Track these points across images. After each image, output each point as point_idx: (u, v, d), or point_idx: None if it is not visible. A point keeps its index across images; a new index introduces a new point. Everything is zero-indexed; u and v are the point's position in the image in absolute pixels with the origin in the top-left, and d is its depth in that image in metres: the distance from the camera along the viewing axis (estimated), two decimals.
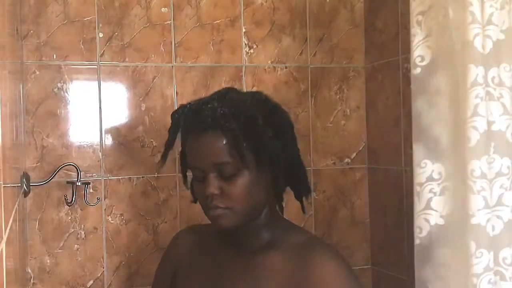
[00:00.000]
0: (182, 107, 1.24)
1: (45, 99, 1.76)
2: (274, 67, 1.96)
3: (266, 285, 1.16)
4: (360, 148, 2.06)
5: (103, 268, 1.81)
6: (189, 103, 1.24)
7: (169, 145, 1.23)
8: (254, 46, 1.95)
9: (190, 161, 1.21)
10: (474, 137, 1.19)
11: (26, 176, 1.59)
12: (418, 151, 1.31)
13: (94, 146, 1.80)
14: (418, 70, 1.31)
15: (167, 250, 1.42)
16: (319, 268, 1.13)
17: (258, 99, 1.24)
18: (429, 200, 1.29)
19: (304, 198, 1.28)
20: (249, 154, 1.15)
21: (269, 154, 1.17)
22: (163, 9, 1.86)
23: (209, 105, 1.18)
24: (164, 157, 1.23)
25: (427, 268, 1.31)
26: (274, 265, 1.17)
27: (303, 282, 1.13)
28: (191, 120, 1.19)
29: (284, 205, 1.28)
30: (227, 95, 1.22)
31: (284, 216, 1.30)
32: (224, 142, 1.14)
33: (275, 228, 1.23)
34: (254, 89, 1.93)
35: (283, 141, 1.20)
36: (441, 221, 1.29)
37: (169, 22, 1.87)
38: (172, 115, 1.24)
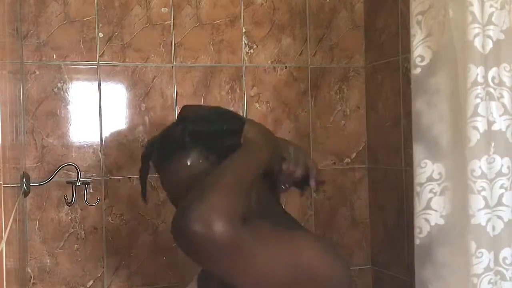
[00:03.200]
0: (146, 144, 1.22)
1: (45, 99, 1.76)
2: (274, 67, 1.96)
3: None
4: (360, 148, 2.06)
5: (103, 268, 1.81)
6: (151, 139, 1.22)
7: (143, 181, 1.21)
8: (254, 46, 1.95)
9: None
10: (474, 137, 1.19)
11: (26, 176, 1.59)
12: (418, 151, 1.31)
13: (94, 146, 1.80)
14: (418, 70, 1.31)
15: None
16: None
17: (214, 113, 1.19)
18: (429, 200, 1.29)
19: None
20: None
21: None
22: (163, 9, 1.86)
23: (154, 142, 1.18)
24: (143, 193, 1.21)
25: (427, 268, 1.31)
26: None
27: None
28: (156, 156, 1.17)
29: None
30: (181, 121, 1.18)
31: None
32: (189, 163, 1.12)
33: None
34: (254, 89, 1.93)
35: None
36: (441, 221, 1.28)
37: (169, 22, 1.87)
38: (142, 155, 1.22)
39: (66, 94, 1.79)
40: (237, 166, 1.05)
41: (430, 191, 1.29)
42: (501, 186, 1.22)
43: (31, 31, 1.75)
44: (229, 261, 0.94)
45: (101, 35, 1.81)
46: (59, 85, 1.78)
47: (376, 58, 2.00)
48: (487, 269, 1.20)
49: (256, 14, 1.95)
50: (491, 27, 1.22)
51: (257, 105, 1.94)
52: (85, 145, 1.80)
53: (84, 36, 1.80)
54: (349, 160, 2.05)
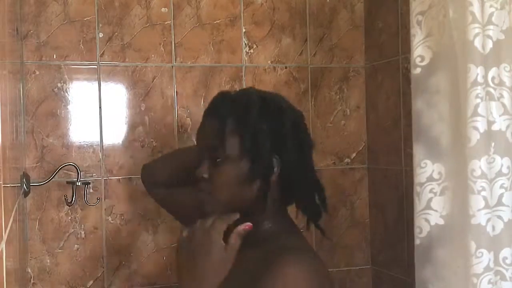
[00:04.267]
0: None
1: (45, 99, 1.76)
2: (274, 67, 1.96)
3: (239, 280, 1.15)
4: (360, 148, 2.06)
5: (103, 268, 1.81)
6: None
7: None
8: (254, 46, 1.94)
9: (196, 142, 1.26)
10: (474, 137, 1.19)
11: (26, 176, 1.59)
12: (418, 151, 1.31)
13: (94, 146, 1.80)
14: (418, 70, 1.31)
15: None
16: (277, 267, 1.09)
17: (273, 100, 1.24)
18: (429, 200, 1.29)
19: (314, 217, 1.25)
20: (244, 146, 1.16)
21: (265, 154, 1.16)
22: (163, 9, 1.86)
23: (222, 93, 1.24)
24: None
25: (427, 268, 1.31)
26: (251, 263, 1.15)
27: (261, 279, 1.10)
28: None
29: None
30: (248, 90, 1.26)
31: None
32: (217, 127, 1.17)
33: (274, 228, 1.23)
34: None
35: (290, 149, 1.19)
36: (441, 221, 1.28)
37: (169, 22, 1.87)
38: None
39: (66, 94, 1.79)
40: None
41: (430, 191, 1.29)
42: (501, 186, 1.22)
43: (31, 31, 1.75)
44: None
45: (101, 35, 1.81)
46: (59, 85, 1.78)
47: (376, 58, 2.00)
48: (487, 269, 1.20)
49: (256, 14, 1.95)
50: (491, 27, 1.22)
51: None
52: (85, 145, 1.80)
53: (84, 36, 1.80)
54: (349, 160, 2.05)
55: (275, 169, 1.18)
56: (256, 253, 1.18)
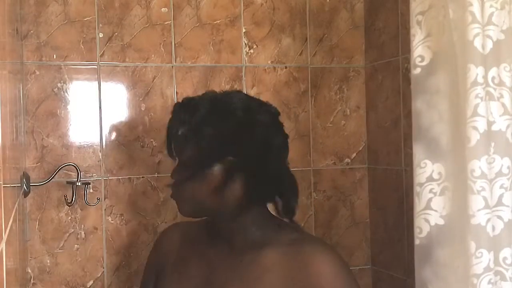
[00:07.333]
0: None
1: (45, 99, 1.76)
2: (274, 67, 1.96)
3: (261, 283, 1.16)
4: (360, 148, 2.06)
5: (103, 268, 1.81)
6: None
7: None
8: (254, 46, 1.95)
9: None
10: (474, 137, 1.19)
11: (26, 176, 1.59)
12: (418, 151, 1.31)
13: (94, 146, 1.80)
14: (418, 70, 1.31)
15: (154, 247, 1.46)
16: (317, 262, 1.16)
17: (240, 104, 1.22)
18: (429, 200, 1.29)
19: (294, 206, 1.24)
20: (205, 152, 1.19)
21: (207, 156, 1.19)
22: (163, 9, 1.86)
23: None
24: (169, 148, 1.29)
25: (427, 268, 1.31)
26: (267, 262, 1.18)
27: (300, 277, 1.15)
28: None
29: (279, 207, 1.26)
30: (206, 94, 1.27)
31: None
32: (180, 133, 1.21)
33: (265, 227, 1.24)
34: (254, 89, 1.93)
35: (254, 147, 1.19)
36: (441, 221, 1.28)
37: (169, 22, 1.87)
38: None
39: (66, 94, 1.79)
40: None
41: (430, 191, 1.29)
42: (501, 186, 1.22)
43: (31, 31, 1.75)
44: None
45: (101, 35, 1.81)
46: (59, 85, 1.78)
47: (376, 58, 2.00)
48: (487, 269, 1.20)
49: (256, 14, 1.95)
50: (491, 27, 1.22)
51: None
52: (85, 145, 1.80)
53: (84, 36, 1.80)
54: (349, 160, 2.05)
55: (228, 171, 1.18)
56: (269, 252, 1.20)
